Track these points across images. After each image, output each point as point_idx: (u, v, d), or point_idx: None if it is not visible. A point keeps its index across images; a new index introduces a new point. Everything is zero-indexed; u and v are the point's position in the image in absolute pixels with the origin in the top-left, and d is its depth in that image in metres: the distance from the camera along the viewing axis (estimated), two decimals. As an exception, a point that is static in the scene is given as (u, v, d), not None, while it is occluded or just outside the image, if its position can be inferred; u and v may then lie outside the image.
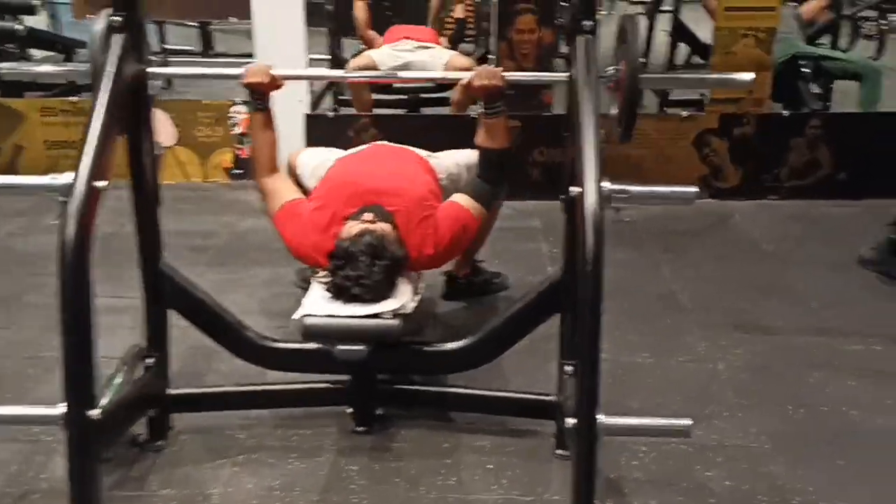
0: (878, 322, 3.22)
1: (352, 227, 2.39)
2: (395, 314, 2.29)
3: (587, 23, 2.12)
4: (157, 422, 2.44)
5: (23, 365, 2.85)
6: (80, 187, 1.91)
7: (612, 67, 2.25)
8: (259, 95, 2.55)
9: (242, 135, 4.54)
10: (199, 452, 2.42)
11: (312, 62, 6.08)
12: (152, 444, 2.41)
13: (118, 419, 2.22)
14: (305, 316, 2.29)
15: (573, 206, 2.00)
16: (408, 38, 5.32)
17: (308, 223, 2.50)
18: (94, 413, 1.92)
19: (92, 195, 1.93)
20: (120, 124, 2.12)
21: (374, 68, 5.14)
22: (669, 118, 4.69)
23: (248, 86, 2.51)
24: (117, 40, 2.15)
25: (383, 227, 2.39)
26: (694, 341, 3.08)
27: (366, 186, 2.53)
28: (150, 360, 2.42)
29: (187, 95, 5.07)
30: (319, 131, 4.32)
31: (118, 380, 2.36)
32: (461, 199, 2.57)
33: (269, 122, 2.59)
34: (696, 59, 5.86)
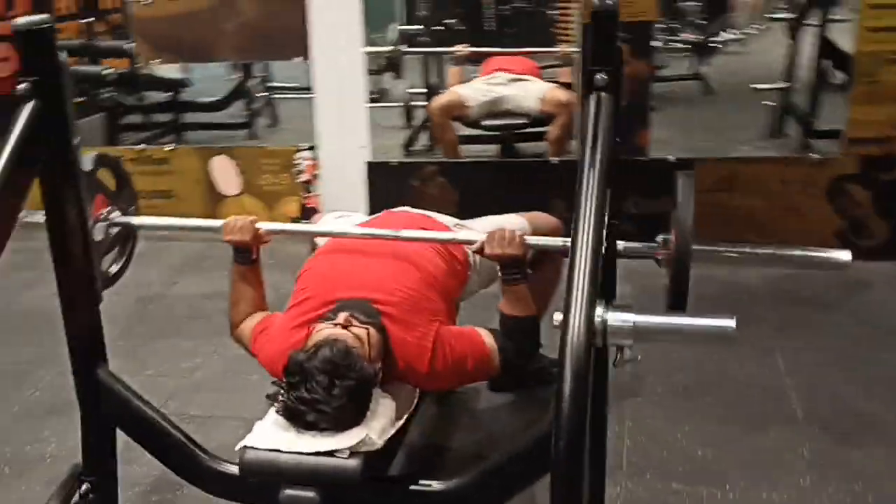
0: None
1: (319, 332, 1.91)
2: (354, 452, 1.77)
3: (600, 76, 1.55)
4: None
5: None
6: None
7: (661, 237, 1.87)
8: (243, 251, 2.16)
9: (307, 182, 4.17)
10: None
11: (410, 94, 5.77)
12: None
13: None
14: (246, 448, 1.82)
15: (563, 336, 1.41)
16: (502, 69, 4.87)
17: (277, 330, 2.06)
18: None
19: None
20: (15, 209, 1.72)
21: (462, 104, 4.72)
22: (798, 161, 3.93)
23: (230, 242, 2.12)
24: (30, 108, 1.77)
25: (358, 333, 1.89)
26: (799, 467, 2.38)
27: (347, 282, 2.06)
28: (85, 486, 2.02)
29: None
30: (382, 180, 3.89)
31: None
32: (483, 331, 2.08)
33: (252, 276, 2.20)
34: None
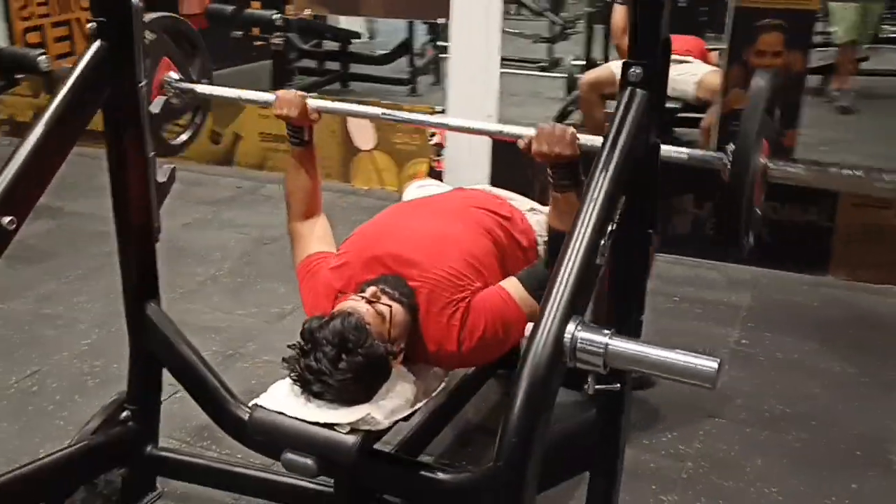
0: None
1: (343, 303, 1.88)
2: (355, 428, 1.74)
3: (635, 70, 1.40)
4: (135, 483, 2.15)
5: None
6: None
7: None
8: (295, 128, 2.11)
9: (438, 146, 4.14)
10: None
11: (573, 65, 5.60)
12: (127, 504, 2.13)
13: (66, 470, 1.99)
14: (256, 406, 1.83)
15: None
16: (664, 47, 4.59)
17: (321, 285, 2.04)
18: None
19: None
20: (65, 147, 1.79)
21: (613, 81, 4.49)
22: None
23: (280, 118, 2.08)
24: (95, 48, 1.84)
25: (381, 309, 1.84)
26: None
27: (388, 249, 2.00)
28: (126, 413, 2.12)
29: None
30: (507, 159, 3.77)
31: (89, 426, 2.10)
32: (511, 286, 1.95)
33: (307, 161, 2.15)
34: None
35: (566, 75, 5.68)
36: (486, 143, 3.83)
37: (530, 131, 1.79)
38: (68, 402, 2.61)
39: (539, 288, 1.80)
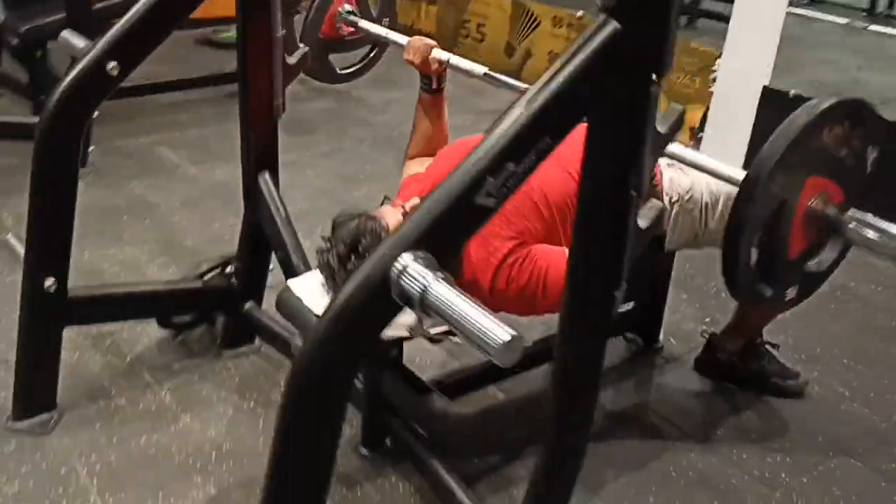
0: None
1: (379, 209, 1.86)
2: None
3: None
4: (233, 332, 2.37)
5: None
6: (86, 61, 1.86)
7: None
8: (425, 76, 2.16)
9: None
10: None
11: None
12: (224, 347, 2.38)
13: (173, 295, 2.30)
14: (286, 286, 1.90)
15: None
16: None
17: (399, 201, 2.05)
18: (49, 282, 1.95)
19: (95, 72, 1.85)
20: (178, 13, 1.94)
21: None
22: None
23: (407, 62, 2.16)
24: None
25: None
26: None
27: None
28: (230, 268, 2.33)
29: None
30: (772, 111, 3.32)
31: (204, 266, 2.36)
32: None
33: (431, 109, 2.19)
34: None
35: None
36: (754, 95, 3.41)
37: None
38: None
39: None
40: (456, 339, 1.43)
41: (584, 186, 1.29)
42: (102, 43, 1.84)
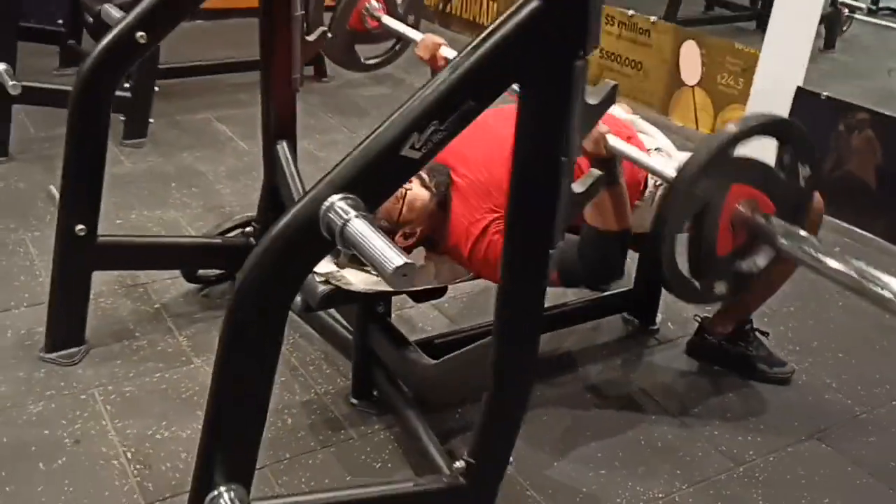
0: None
1: None
2: (327, 280, 1.91)
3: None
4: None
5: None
6: (116, 30, 2.07)
7: None
8: (434, 70, 2.33)
9: (754, 94, 3.80)
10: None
11: None
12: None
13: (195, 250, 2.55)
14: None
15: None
16: None
17: None
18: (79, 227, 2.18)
19: (125, 41, 2.06)
20: None
21: None
22: None
23: (419, 58, 2.37)
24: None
25: (415, 193, 1.98)
26: None
27: (459, 142, 2.06)
28: (251, 228, 2.53)
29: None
30: (806, 112, 3.35)
31: (225, 225, 2.57)
32: None
33: None
34: None
35: None
36: (788, 95, 3.44)
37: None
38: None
39: (563, 270, 1.81)
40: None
41: (517, 150, 1.41)
42: (133, 15, 2.06)
